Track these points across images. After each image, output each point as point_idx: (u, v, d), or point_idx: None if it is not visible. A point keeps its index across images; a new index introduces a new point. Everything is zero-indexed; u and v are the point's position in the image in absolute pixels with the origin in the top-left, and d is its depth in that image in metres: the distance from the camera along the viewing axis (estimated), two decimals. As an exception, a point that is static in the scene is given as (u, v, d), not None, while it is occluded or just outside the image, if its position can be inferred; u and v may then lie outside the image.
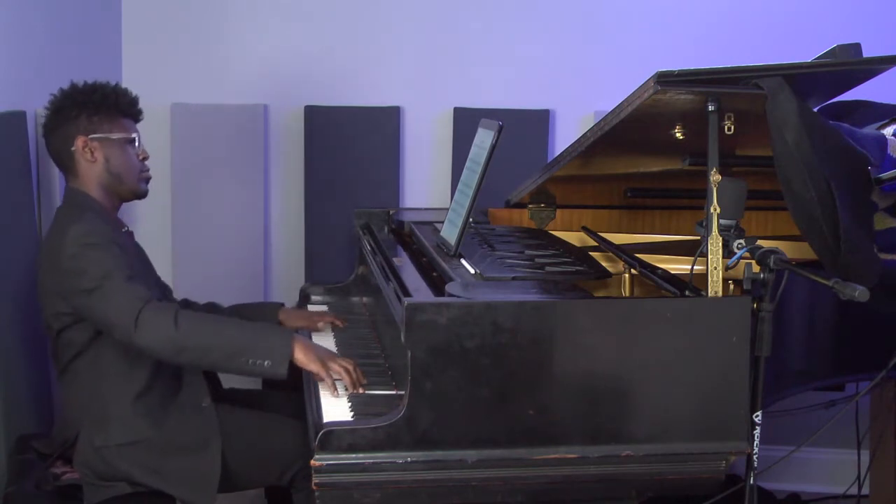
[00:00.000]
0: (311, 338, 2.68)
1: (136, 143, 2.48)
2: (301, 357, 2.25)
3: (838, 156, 2.18)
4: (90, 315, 2.28)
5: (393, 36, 3.57)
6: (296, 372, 2.33)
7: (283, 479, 2.44)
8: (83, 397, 2.37)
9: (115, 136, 2.43)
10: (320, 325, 2.75)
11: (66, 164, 2.45)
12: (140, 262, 2.52)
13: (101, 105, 2.42)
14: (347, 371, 2.27)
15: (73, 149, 2.41)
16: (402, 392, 2.03)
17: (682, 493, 2.12)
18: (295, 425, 2.42)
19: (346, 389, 2.25)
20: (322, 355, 2.28)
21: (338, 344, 2.64)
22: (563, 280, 2.28)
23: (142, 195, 2.54)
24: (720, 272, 2.08)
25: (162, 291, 2.66)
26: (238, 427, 2.42)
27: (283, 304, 2.88)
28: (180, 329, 2.19)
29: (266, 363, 2.22)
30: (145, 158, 2.51)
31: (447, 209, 2.63)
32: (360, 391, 2.25)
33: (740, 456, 2.07)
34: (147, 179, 2.53)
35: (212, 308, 2.75)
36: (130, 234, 2.55)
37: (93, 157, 2.41)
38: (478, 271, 2.28)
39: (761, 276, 2.00)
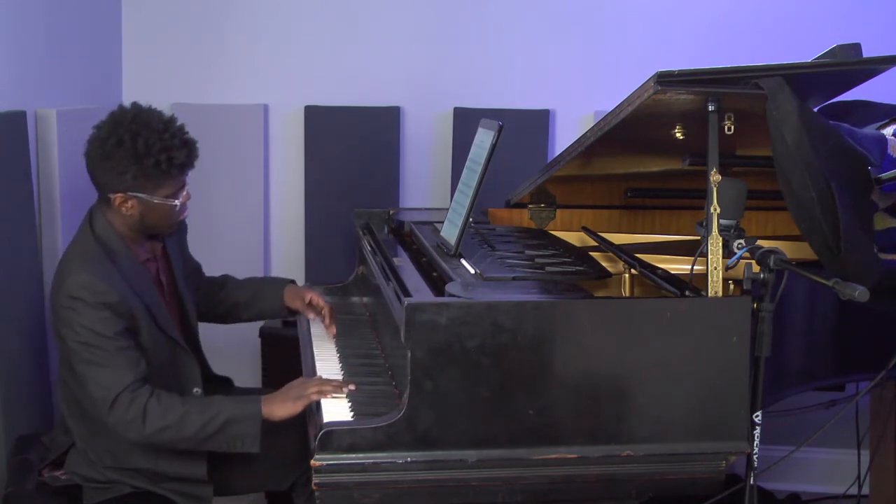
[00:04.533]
0: (308, 325, 2.66)
1: (180, 197, 2.34)
2: (283, 413, 2.20)
3: (838, 156, 2.18)
4: (73, 367, 2.24)
5: (393, 36, 3.57)
6: (297, 373, 2.33)
7: (283, 484, 2.44)
8: (75, 415, 2.34)
9: (156, 199, 2.30)
10: (311, 315, 2.68)
11: (101, 195, 2.34)
12: (150, 296, 2.33)
13: (151, 169, 2.25)
14: (326, 382, 2.23)
15: (111, 196, 2.29)
16: (402, 392, 2.03)
17: (682, 493, 2.11)
18: (296, 429, 2.41)
19: (336, 393, 2.23)
20: (296, 393, 2.22)
21: (338, 345, 2.64)
22: (563, 280, 2.28)
23: (171, 234, 2.47)
24: (720, 272, 2.08)
25: (193, 273, 2.65)
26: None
27: (292, 281, 2.80)
28: (148, 429, 2.15)
29: (237, 444, 2.20)
30: (187, 200, 2.38)
31: (447, 209, 2.63)
32: (352, 387, 2.24)
33: (740, 456, 2.07)
34: (180, 222, 2.43)
35: (224, 284, 2.75)
36: (154, 256, 2.45)
37: (128, 210, 2.30)
38: (478, 271, 2.28)
39: (761, 276, 2.00)
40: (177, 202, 2.34)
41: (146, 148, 2.24)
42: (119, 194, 2.28)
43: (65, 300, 2.20)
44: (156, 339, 2.32)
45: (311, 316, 2.70)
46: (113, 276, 2.25)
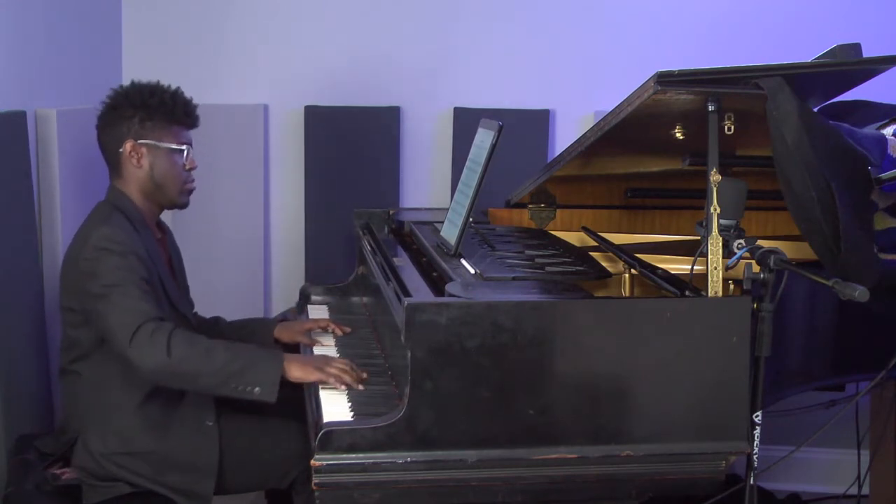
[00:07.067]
0: (312, 349, 2.65)
1: (185, 154, 2.48)
2: (299, 374, 2.25)
3: (838, 156, 2.18)
4: (95, 319, 2.27)
5: (393, 36, 3.57)
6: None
7: (283, 482, 2.44)
8: (83, 402, 2.35)
9: (163, 144, 2.44)
10: (306, 341, 2.67)
11: (112, 162, 2.47)
12: (163, 271, 2.44)
13: (156, 110, 2.43)
14: (346, 371, 2.27)
15: (121, 150, 2.42)
16: (402, 392, 2.03)
17: (682, 493, 2.12)
18: (296, 428, 2.41)
19: (351, 387, 2.24)
20: (318, 364, 2.27)
21: (338, 344, 2.64)
22: (563, 280, 2.28)
23: (181, 206, 2.53)
24: (720, 272, 2.08)
25: (183, 301, 2.61)
26: (239, 430, 2.41)
27: (281, 320, 2.82)
28: (172, 355, 2.16)
29: (256, 390, 2.20)
30: (192, 168, 2.51)
31: (447, 209, 2.63)
32: (361, 388, 2.25)
33: (740, 456, 2.07)
34: (189, 191, 2.53)
35: (215, 323, 2.73)
36: (163, 241, 2.54)
37: (138, 163, 2.43)
38: (478, 271, 2.28)
39: (761, 276, 2.00)
40: (184, 149, 2.47)
41: (151, 92, 2.45)
42: (129, 141, 2.41)
43: (90, 253, 2.26)
44: (165, 312, 2.35)
45: (306, 342, 2.67)
46: (134, 237, 2.35)
